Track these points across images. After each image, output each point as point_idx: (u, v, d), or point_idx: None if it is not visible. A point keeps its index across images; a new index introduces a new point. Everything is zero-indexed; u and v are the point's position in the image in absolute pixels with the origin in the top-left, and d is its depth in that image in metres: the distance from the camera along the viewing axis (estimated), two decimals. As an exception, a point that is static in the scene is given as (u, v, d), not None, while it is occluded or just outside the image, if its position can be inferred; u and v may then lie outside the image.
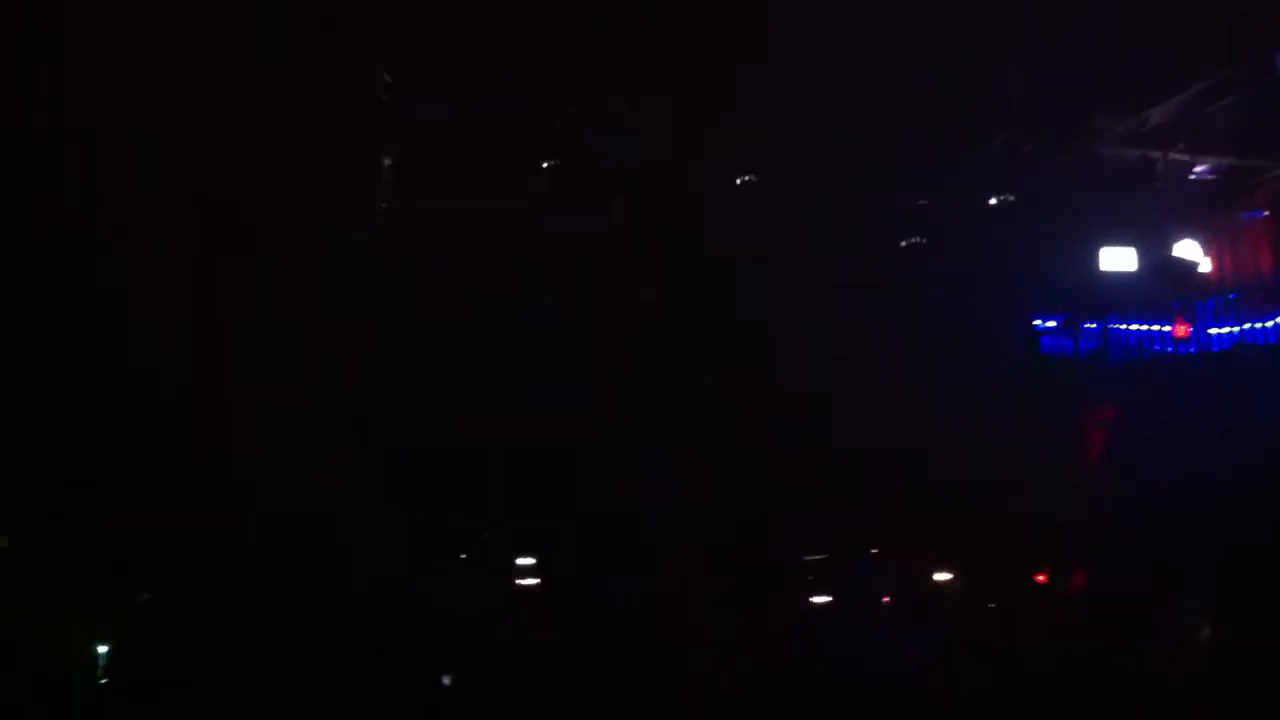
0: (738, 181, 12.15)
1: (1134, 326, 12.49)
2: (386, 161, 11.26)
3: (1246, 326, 12.16)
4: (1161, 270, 12.40)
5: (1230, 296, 12.46)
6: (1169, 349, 12.36)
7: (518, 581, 10.40)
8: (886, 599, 11.25)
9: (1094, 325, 12.49)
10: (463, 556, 10.33)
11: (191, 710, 8.09)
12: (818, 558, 11.19)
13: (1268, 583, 9.87)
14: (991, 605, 11.32)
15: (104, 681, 8.61)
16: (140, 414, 9.44)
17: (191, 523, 9.11)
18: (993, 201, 12.90)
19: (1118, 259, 12.48)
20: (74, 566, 8.78)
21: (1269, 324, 12.16)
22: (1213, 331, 12.28)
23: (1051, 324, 12.60)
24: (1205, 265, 12.78)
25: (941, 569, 11.49)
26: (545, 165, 11.63)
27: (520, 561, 10.52)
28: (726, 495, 10.62)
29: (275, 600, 8.82)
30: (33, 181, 9.55)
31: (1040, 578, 11.41)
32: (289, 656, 8.35)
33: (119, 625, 8.81)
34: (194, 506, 9.22)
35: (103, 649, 8.77)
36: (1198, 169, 12.91)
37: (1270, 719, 9.00)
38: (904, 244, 12.67)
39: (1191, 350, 12.32)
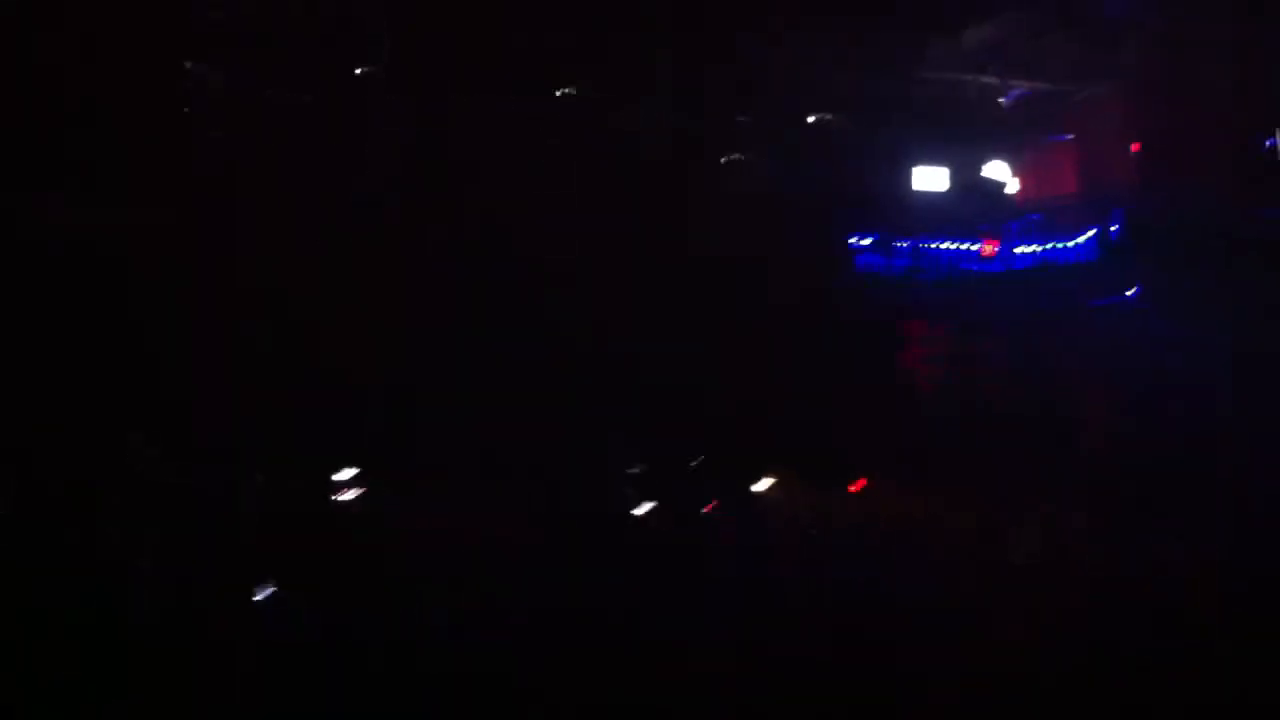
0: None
1: (944, 245, 12.93)
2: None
3: (1050, 246, 12.73)
4: (971, 191, 12.83)
5: (1035, 217, 12.99)
6: (977, 267, 12.83)
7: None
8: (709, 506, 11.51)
9: (906, 244, 12.89)
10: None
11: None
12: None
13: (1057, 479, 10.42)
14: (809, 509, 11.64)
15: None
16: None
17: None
18: (810, 119, 13.19)
19: (929, 179, 12.88)
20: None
21: (1070, 243, 12.75)
22: (1018, 250, 12.80)
23: (866, 242, 12.97)
24: (1013, 186, 13.23)
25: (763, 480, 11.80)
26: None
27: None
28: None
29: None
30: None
31: (854, 488, 11.81)
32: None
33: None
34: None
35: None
36: (1008, 93, 13.33)
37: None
38: (723, 160, 12.90)
39: (998, 268, 12.82)
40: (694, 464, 11.73)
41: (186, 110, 9.94)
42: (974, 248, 12.88)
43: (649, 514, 11.31)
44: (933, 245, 12.86)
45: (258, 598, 8.74)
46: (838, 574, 9.73)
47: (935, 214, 12.80)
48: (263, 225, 10.02)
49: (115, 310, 9.63)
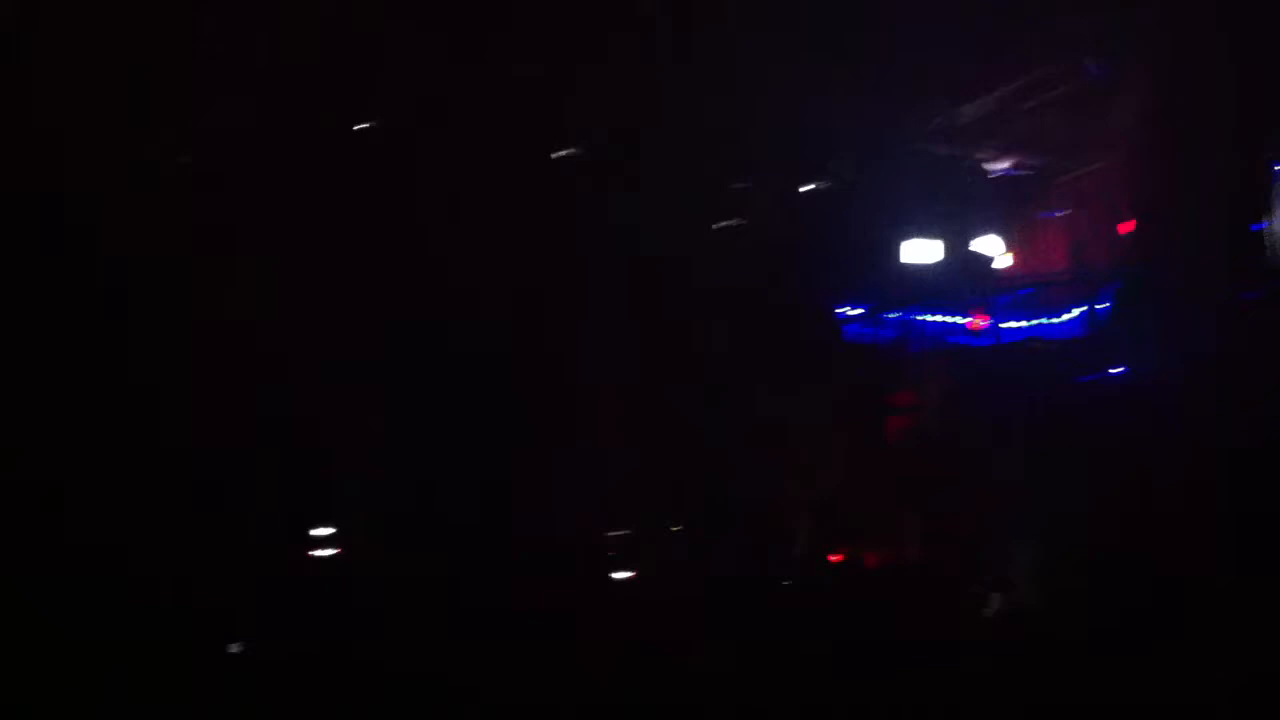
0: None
1: (934, 318, 12.98)
2: None
3: (1039, 322, 12.77)
4: (961, 265, 12.88)
5: (1025, 292, 13.05)
6: (965, 340, 12.88)
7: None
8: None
9: (896, 315, 12.94)
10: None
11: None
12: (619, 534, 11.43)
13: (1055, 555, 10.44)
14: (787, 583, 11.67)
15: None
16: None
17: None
18: (802, 190, 13.25)
19: (921, 251, 12.93)
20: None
21: (1059, 319, 12.79)
22: (1006, 325, 12.85)
23: (856, 312, 13.01)
24: (1004, 261, 13.29)
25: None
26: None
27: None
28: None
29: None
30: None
31: (834, 559, 11.84)
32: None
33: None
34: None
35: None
36: (1001, 166, 13.42)
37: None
38: (714, 227, 12.94)
39: (988, 342, 12.86)
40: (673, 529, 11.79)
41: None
42: (963, 321, 12.94)
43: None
44: (922, 318, 12.92)
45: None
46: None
47: (925, 287, 12.85)
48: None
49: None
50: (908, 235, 12.86)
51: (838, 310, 12.94)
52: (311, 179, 10.06)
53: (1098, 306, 12.49)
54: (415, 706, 7.62)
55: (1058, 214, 13.28)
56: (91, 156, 9.16)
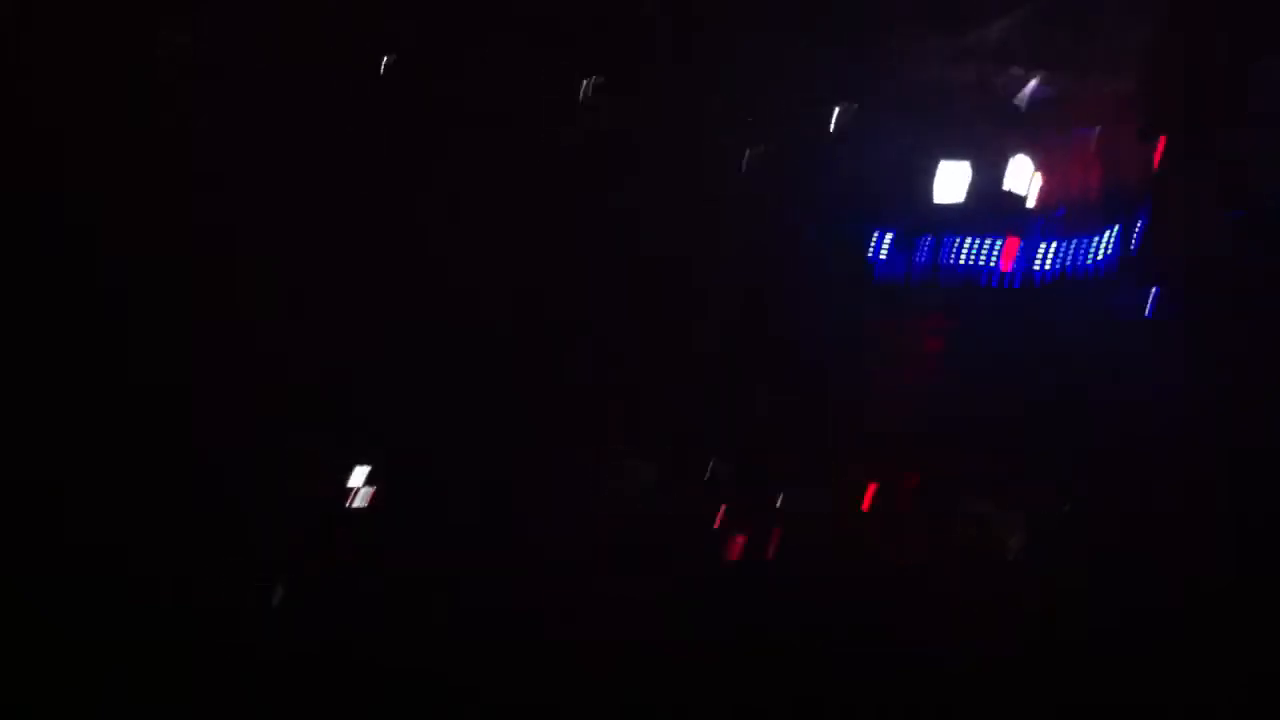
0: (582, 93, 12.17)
1: (965, 242, 12.79)
2: None
3: (1072, 245, 12.55)
4: (990, 190, 12.69)
5: (1058, 213, 12.82)
6: (997, 270, 12.69)
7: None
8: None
9: (925, 241, 12.76)
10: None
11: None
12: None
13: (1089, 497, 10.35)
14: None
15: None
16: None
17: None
18: (837, 110, 13.06)
19: (951, 174, 12.73)
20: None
21: (1092, 243, 12.58)
22: (1040, 248, 12.64)
23: (888, 237, 12.85)
24: (1037, 181, 13.06)
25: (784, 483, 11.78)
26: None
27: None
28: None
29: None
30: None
31: (870, 490, 11.78)
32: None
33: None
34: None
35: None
36: (1032, 86, 13.15)
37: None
38: (748, 152, 12.80)
39: (1019, 266, 12.67)
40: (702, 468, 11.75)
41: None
42: (995, 245, 12.74)
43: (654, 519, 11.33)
44: (952, 243, 12.73)
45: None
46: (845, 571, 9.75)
47: (955, 211, 12.66)
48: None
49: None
50: (936, 159, 12.67)
51: (866, 236, 12.81)
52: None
53: (1133, 227, 12.30)
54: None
55: (1088, 132, 13.02)
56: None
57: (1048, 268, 12.47)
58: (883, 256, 12.66)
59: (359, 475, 10.05)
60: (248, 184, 10.08)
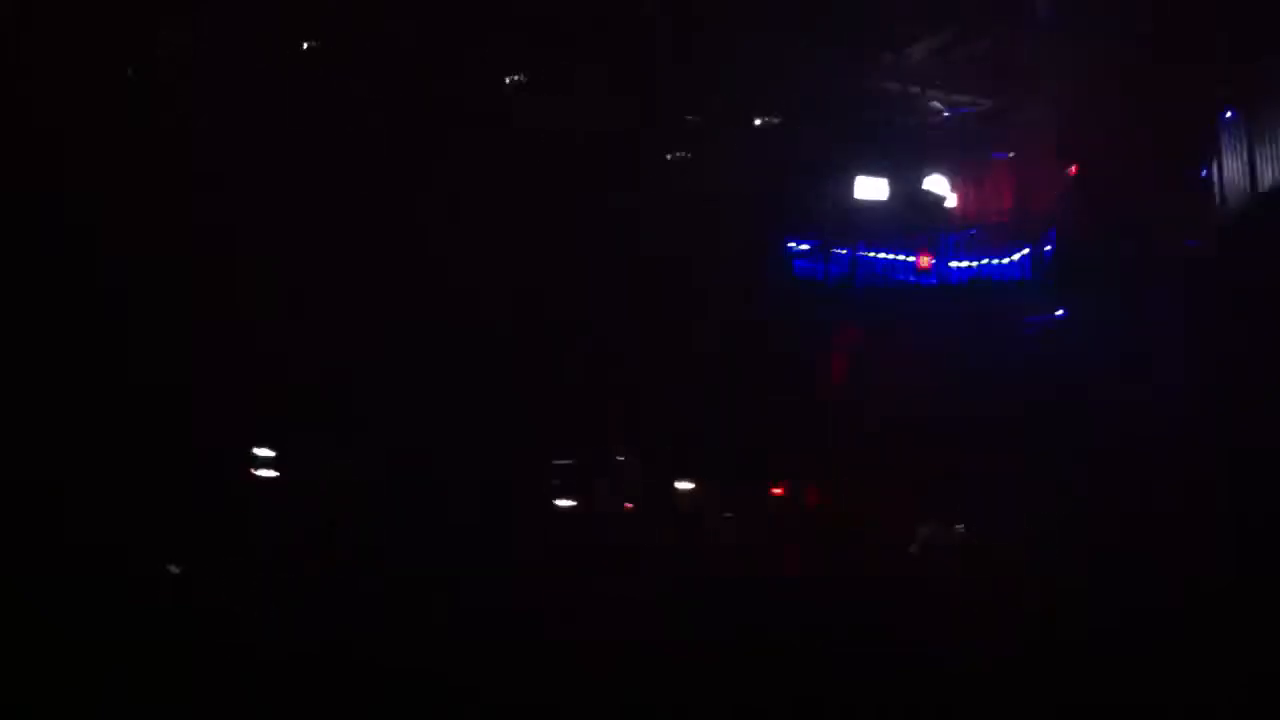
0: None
1: (881, 255, 13.09)
2: None
3: (985, 261, 12.90)
4: (909, 203, 12.98)
5: (971, 232, 13.17)
6: (912, 278, 13.00)
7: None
8: (628, 505, 11.66)
9: (844, 251, 13.04)
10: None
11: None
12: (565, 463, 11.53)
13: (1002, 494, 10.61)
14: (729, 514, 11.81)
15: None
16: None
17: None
18: (758, 122, 13.30)
19: (870, 189, 13.02)
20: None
21: (1004, 260, 12.92)
22: (953, 264, 12.98)
23: (804, 247, 13.11)
24: (951, 201, 13.39)
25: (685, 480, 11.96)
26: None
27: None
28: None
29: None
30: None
31: (777, 491, 11.99)
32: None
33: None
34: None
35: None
36: (951, 107, 13.49)
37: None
38: (669, 158, 12.98)
39: (932, 281, 12.99)
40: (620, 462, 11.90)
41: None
42: (910, 259, 13.05)
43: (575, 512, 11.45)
44: (870, 254, 13.02)
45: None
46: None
47: (874, 224, 12.95)
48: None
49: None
50: (857, 173, 12.95)
51: (787, 245, 13.06)
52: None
53: (1044, 249, 12.63)
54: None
55: (1005, 155, 13.39)
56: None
57: (959, 279, 12.83)
58: (800, 262, 12.93)
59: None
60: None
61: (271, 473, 10.05)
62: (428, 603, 8.60)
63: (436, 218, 10.75)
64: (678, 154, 12.94)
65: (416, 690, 7.86)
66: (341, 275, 10.38)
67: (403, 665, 7.95)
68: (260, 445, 10.00)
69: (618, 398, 11.38)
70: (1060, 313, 11.93)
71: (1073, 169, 12.73)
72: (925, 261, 13.02)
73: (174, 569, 8.74)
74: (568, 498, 11.19)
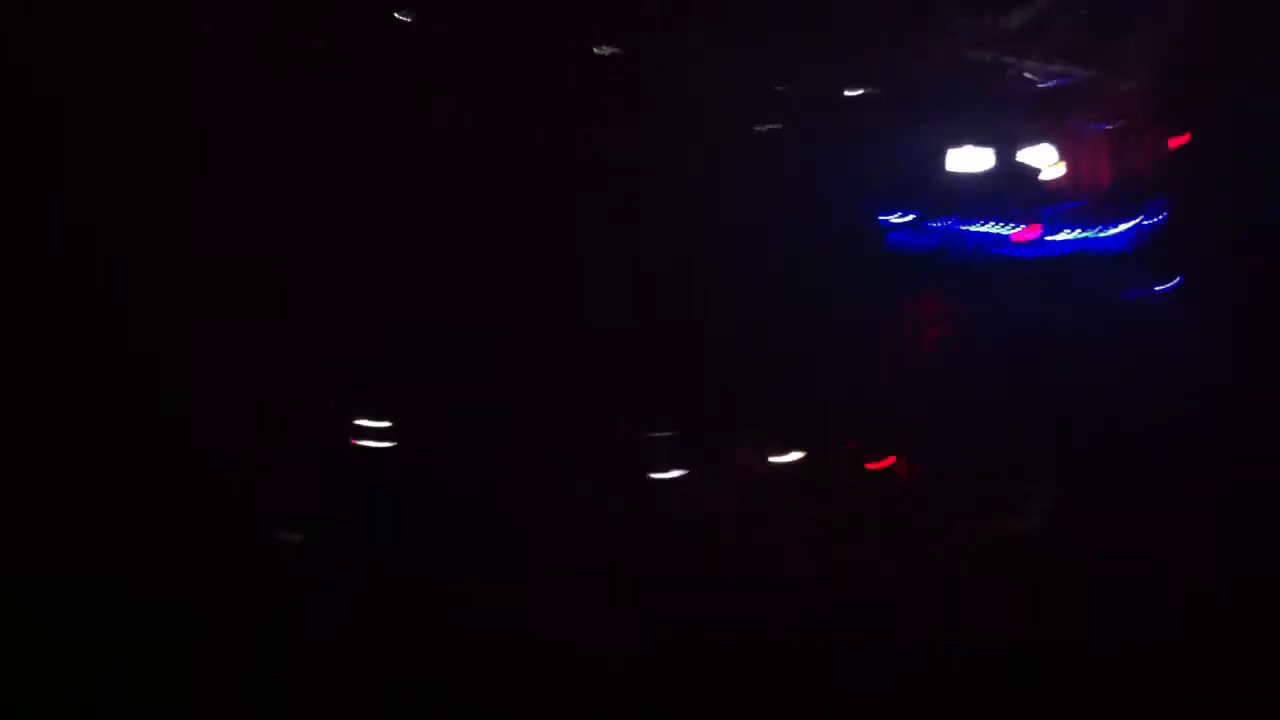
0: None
1: (978, 228, 12.78)
2: None
3: (1087, 234, 12.56)
4: (1008, 174, 12.68)
5: (1073, 205, 12.82)
6: (1010, 251, 12.68)
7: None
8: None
9: (939, 224, 12.75)
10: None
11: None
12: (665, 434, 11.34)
13: (1096, 474, 10.32)
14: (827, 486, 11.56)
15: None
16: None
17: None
18: (849, 94, 13.06)
19: (967, 160, 12.73)
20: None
21: (1108, 232, 12.58)
22: (1052, 238, 12.64)
23: (900, 220, 12.83)
24: (1053, 172, 13.06)
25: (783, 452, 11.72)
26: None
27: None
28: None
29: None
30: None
31: (873, 465, 11.72)
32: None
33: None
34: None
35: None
36: (1051, 77, 13.16)
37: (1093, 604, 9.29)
38: (759, 130, 12.77)
39: (1032, 254, 12.66)
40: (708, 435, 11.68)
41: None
42: (1008, 231, 12.73)
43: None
44: (966, 227, 12.72)
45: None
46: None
47: (970, 196, 12.66)
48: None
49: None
50: (955, 144, 12.66)
51: (881, 218, 12.79)
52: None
53: (1149, 220, 12.30)
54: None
55: (1109, 126, 13.03)
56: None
57: (1060, 252, 12.50)
58: (895, 235, 12.66)
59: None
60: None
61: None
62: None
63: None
64: (770, 125, 12.75)
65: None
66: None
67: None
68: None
69: (707, 369, 11.20)
70: (1167, 285, 11.60)
71: (1178, 139, 12.39)
72: (1024, 234, 12.70)
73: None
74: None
